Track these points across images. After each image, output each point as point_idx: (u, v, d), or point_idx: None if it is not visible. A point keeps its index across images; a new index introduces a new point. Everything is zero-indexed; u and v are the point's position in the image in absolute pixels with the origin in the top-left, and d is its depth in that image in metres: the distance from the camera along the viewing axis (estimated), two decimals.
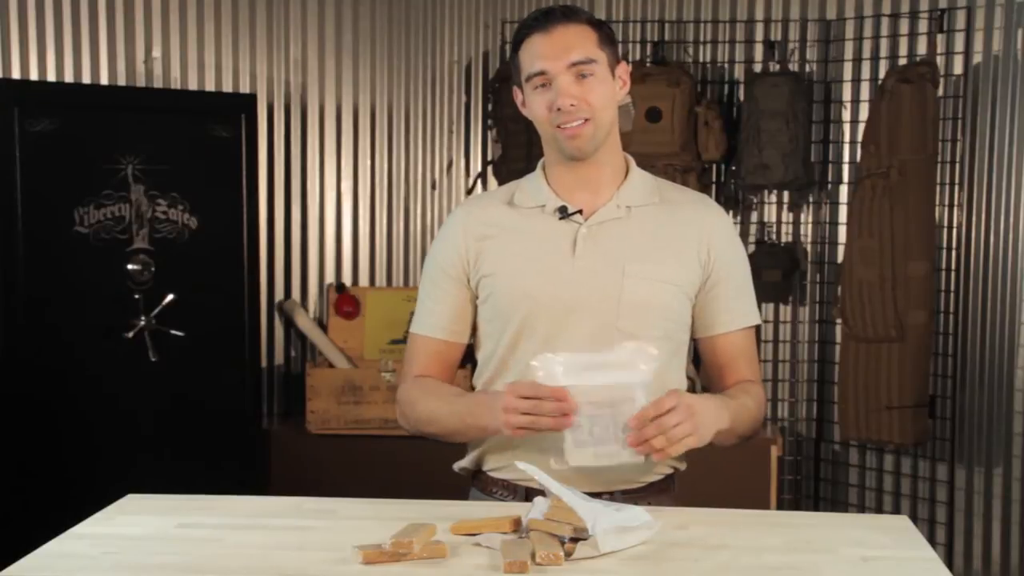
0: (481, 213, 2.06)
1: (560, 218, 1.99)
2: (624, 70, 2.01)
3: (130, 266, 3.68)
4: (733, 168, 4.21)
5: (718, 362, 2.06)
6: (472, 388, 2.12)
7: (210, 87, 4.16)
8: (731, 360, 2.05)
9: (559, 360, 1.79)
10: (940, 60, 3.95)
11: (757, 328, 2.11)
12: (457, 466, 2.12)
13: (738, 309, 2.05)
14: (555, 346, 1.94)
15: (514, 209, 2.04)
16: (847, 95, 4.20)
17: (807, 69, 4.23)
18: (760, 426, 2.04)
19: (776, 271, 4.18)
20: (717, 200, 4.25)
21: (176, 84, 4.13)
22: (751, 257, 4.15)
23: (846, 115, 4.21)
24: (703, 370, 2.15)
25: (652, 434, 1.73)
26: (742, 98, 4.19)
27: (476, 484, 2.11)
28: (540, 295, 1.96)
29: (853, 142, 4.16)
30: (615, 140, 2.03)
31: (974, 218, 3.98)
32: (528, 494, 1.98)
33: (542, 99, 1.94)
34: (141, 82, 4.07)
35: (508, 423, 1.80)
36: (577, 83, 1.92)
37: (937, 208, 4.00)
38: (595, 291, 1.96)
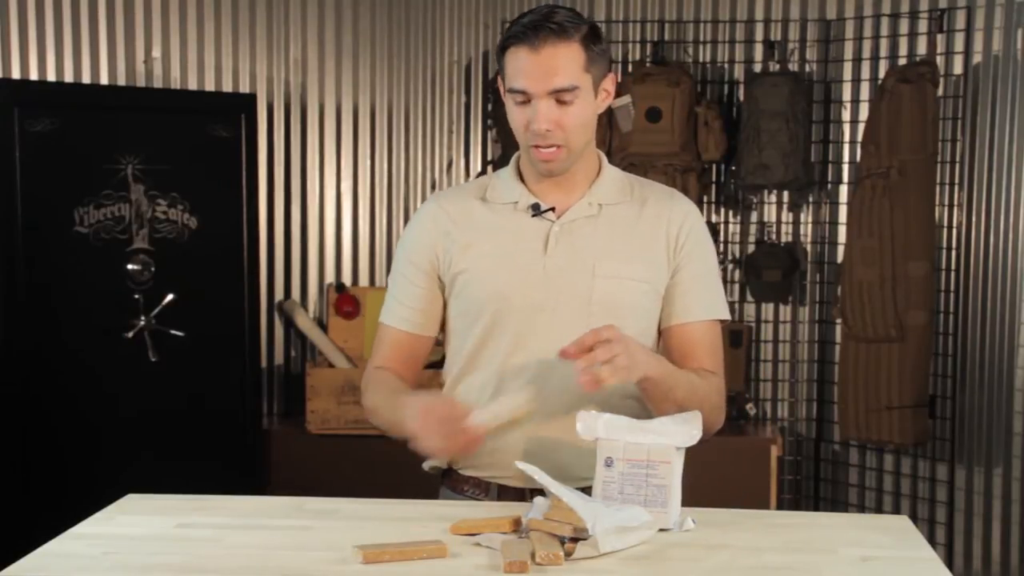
0: (452, 207, 2.05)
1: (532, 215, 1.99)
2: (611, 82, 1.97)
3: (130, 266, 3.67)
4: (733, 168, 4.21)
5: (677, 353, 1.98)
6: (441, 386, 2.10)
7: (210, 87, 4.16)
8: (690, 350, 1.98)
9: (603, 417, 1.77)
10: (940, 60, 3.95)
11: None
12: (427, 465, 2.09)
13: (698, 300, 2.00)
14: (525, 345, 1.94)
15: (486, 205, 2.03)
16: (847, 95, 4.20)
17: (807, 69, 4.23)
18: (719, 412, 1.97)
19: (776, 271, 4.18)
20: (717, 200, 4.29)
21: (176, 84, 4.13)
22: (751, 257, 4.23)
23: (846, 115, 4.21)
24: None
25: (603, 359, 1.71)
26: (742, 98, 4.19)
27: (447, 483, 2.09)
28: (511, 294, 1.95)
29: (853, 142, 4.17)
30: (591, 146, 2.01)
31: (974, 218, 3.99)
32: (500, 492, 1.98)
33: (521, 114, 1.92)
34: (141, 82, 4.07)
35: (419, 443, 1.83)
36: (557, 107, 1.89)
37: (937, 208, 4.00)
38: (565, 290, 1.95)
